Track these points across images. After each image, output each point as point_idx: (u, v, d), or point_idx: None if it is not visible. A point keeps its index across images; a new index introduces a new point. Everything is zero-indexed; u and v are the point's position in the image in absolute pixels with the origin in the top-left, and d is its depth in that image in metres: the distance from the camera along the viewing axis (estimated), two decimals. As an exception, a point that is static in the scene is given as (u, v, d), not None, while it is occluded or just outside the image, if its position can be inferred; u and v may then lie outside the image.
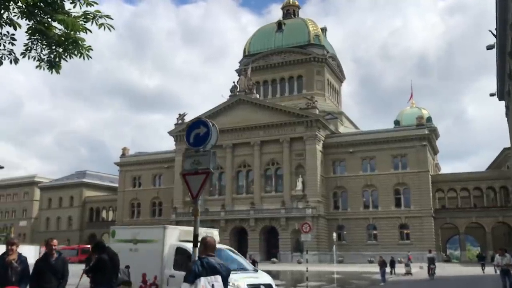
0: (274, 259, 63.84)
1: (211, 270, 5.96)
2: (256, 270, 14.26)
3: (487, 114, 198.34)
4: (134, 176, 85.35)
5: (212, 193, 74.70)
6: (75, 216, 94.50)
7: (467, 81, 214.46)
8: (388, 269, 34.07)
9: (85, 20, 6.44)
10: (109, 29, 6.48)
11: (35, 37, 6.54)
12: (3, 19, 6.21)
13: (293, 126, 70.02)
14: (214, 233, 14.55)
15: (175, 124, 78.57)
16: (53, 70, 6.75)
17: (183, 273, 11.80)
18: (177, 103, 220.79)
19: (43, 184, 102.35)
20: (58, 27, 6.44)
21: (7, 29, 6.45)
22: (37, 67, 6.73)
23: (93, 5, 6.46)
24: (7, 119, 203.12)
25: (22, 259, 8.42)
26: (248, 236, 68.36)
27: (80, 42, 6.43)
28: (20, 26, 6.39)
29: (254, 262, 30.22)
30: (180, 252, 13.59)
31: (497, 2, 27.37)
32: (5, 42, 6.74)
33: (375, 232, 67.82)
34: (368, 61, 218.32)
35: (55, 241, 8.86)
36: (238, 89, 75.65)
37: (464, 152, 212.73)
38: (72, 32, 6.38)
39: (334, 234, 65.69)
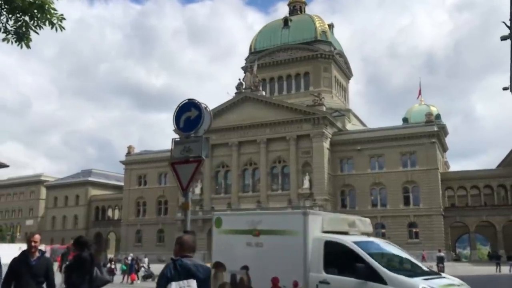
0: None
1: (184, 273, 5.13)
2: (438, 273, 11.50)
3: (496, 112, 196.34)
4: (139, 175, 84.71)
5: (218, 192, 73.89)
6: (80, 215, 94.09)
7: (475, 79, 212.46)
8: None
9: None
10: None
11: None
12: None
13: (299, 124, 69.03)
14: (367, 221, 12.09)
15: (180, 122, 77.75)
16: (22, 43, 5.85)
17: (341, 279, 9.98)
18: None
19: (49, 183, 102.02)
20: None
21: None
22: (4, 40, 5.84)
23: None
24: (15, 118, 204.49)
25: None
26: (255, 235, 67.42)
27: (47, 6, 5.50)
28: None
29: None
30: (331, 248, 10.34)
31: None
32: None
33: (383, 231, 66.60)
34: (375, 60, 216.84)
35: (36, 237, 7.39)
36: (244, 87, 74.76)
37: (472, 150, 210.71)
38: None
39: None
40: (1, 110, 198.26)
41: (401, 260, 10.94)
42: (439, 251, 37.48)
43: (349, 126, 79.67)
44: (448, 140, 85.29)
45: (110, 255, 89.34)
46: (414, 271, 9.94)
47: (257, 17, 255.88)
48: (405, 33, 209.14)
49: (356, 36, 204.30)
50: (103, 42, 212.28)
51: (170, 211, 78.65)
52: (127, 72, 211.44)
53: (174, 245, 5.53)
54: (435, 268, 37.58)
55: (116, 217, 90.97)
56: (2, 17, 5.79)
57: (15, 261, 7.36)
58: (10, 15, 5.70)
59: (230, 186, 72.77)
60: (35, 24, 5.79)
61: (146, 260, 39.04)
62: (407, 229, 65.06)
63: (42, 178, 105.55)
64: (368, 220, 12.12)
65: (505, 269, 38.60)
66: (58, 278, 10.22)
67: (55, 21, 5.88)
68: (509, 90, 38.86)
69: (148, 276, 34.07)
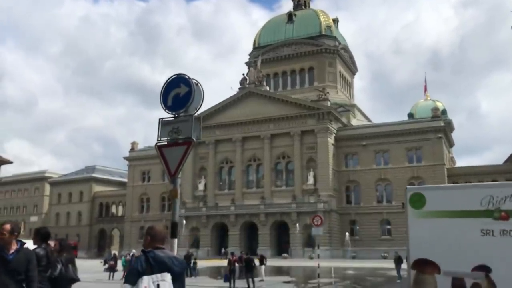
0: (285, 255, 62.29)
1: (158, 267, 4.51)
2: None
3: (501, 108, 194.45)
4: (143, 171, 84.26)
5: (222, 188, 73.31)
6: (84, 211, 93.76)
7: (480, 75, 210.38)
8: (404, 266, 32.23)
9: None
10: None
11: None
12: None
13: (304, 119, 68.27)
14: None
15: (184, 118, 77.11)
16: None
17: None
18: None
19: (53, 179, 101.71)
20: None
21: None
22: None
23: None
24: (21, 116, 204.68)
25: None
26: (259, 231, 66.87)
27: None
28: None
29: (262, 258, 28.71)
30: None
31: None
32: None
33: (388, 227, 65.90)
34: (380, 56, 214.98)
35: (6, 227, 6.06)
36: (247, 82, 74.02)
37: (478, 147, 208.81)
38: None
39: (347, 235, 64.76)
40: (7, 107, 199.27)
41: None
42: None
43: (354, 122, 78.80)
44: (453, 136, 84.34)
45: (114, 251, 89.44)
46: None
47: (262, 14, 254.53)
48: (410, 29, 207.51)
49: (360, 32, 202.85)
50: (108, 39, 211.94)
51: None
52: (132, 69, 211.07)
53: (144, 236, 4.90)
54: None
55: (120, 214, 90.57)
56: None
57: None
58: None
59: (234, 182, 72.13)
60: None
61: None
62: (413, 225, 64.07)
63: (47, 175, 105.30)
64: None
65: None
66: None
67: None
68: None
69: None
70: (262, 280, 26.76)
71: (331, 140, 67.55)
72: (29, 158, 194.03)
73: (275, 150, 70.06)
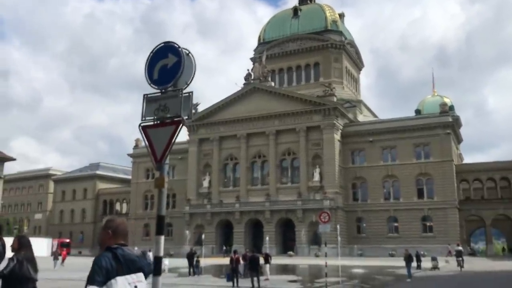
0: (291, 253, 61.42)
1: (128, 266, 3.77)
2: None
3: (508, 104, 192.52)
4: (147, 168, 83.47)
5: (226, 185, 72.52)
6: (88, 209, 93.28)
7: (487, 71, 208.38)
8: (413, 264, 31.28)
9: None
10: None
11: None
12: None
13: (309, 115, 67.29)
14: None
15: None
16: None
17: None
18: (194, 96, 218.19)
19: (57, 176, 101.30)
20: None
21: None
22: None
23: None
24: (27, 114, 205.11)
25: None
26: (264, 229, 66.04)
27: None
28: None
29: (267, 257, 27.83)
30: None
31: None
32: None
33: (396, 224, 64.89)
34: (386, 52, 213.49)
35: None
36: (252, 77, 73.10)
37: (485, 144, 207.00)
38: None
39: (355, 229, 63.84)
40: (13, 105, 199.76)
41: None
42: (458, 245, 35.88)
43: (361, 118, 77.72)
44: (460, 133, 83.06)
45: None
46: None
47: (267, 11, 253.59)
48: (416, 25, 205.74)
49: (366, 28, 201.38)
50: (113, 37, 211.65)
51: (178, 205, 77.36)
52: (136, 67, 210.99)
53: (102, 229, 4.04)
54: (454, 262, 36.19)
55: (124, 211, 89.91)
56: None
57: None
58: None
59: (238, 179, 71.30)
60: None
61: (150, 254, 37.63)
62: (421, 223, 63.14)
63: (51, 172, 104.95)
64: None
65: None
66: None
67: None
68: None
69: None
70: (267, 279, 25.87)
71: (337, 136, 66.54)
72: (35, 156, 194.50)
73: (281, 146, 69.14)
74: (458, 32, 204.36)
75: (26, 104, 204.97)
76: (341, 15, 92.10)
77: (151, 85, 4.98)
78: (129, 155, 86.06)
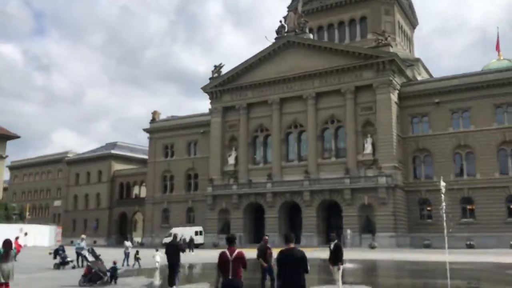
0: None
1: None
2: None
3: None
4: (166, 144, 72.21)
5: (256, 162, 60.37)
6: (103, 193, 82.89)
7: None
8: None
9: None
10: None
11: None
12: None
13: (359, 71, 54.06)
14: None
15: (209, 78, 64.17)
16: None
17: None
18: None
19: (70, 158, 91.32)
20: None
21: None
22: None
23: None
24: (68, 106, 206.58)
25: None
26: (302, 214, 53.55)
27: None
28: None
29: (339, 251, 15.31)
30: None
31: None
32: None
33: (470, 207, 51.08)
34: (441, 12, 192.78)
35: None
36: (286, 30, 60.21)
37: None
38: None
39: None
40: (55, 98, 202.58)
41: None
42: None
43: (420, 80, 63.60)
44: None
45: (137, 239, 78.11)
46: None
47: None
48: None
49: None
50: (148, 29, 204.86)
51: (200, 186, 65.79)
52: (172, 58, 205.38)
53: None
54: None
55: (142, 195, 78.86)
56: None
57: None
58: None
59: (270, 154, 58.95)
60: None
61: (157, 254, 24.36)
62: (505, 205, 49.09)
63: (69, 155, 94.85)
64: None
65: None
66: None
67: None
68: None
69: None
70: None
71: (394, 97, 52.98)
72: (75, 148, 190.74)
73: (322, 113, 56.21)
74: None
75: (68, 97, 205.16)
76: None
77: None
78: (145, 130, 74.76)
